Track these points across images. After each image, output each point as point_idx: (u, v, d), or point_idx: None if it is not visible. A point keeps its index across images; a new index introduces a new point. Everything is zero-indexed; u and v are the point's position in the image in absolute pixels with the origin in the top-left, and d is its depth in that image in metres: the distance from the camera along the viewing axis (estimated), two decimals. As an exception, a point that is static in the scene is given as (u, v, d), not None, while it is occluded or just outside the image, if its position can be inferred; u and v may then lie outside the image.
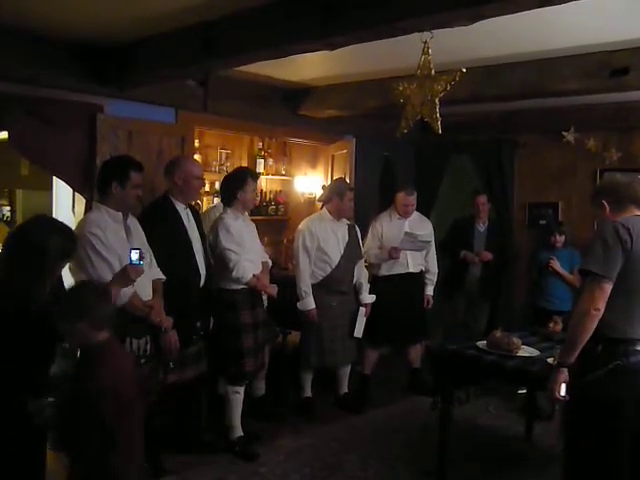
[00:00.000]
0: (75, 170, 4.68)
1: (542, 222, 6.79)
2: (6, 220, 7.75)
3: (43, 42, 4.24)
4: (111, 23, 3.93)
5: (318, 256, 5.26)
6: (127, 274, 3.24)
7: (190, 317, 4.23)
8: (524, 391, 5.15)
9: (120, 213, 3.70)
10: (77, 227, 3.61)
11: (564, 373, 2.99)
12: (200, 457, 4.46)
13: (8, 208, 7.91)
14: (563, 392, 3.00)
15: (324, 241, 5.26)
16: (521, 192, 7.03)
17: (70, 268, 3.53)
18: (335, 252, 5.27)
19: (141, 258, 3.30)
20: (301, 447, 4.75)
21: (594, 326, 2.88)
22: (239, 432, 4.61)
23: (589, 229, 6.56)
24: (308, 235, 5.27)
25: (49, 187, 5.59)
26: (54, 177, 5.12)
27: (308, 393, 5.48)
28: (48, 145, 4.49)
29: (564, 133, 6.43)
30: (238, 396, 4.58)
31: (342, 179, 5.98)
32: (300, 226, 5.40)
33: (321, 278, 5.28)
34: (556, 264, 5.93)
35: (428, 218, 6.20)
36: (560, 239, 6.08)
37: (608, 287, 2.87)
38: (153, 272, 3.91)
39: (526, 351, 4.05)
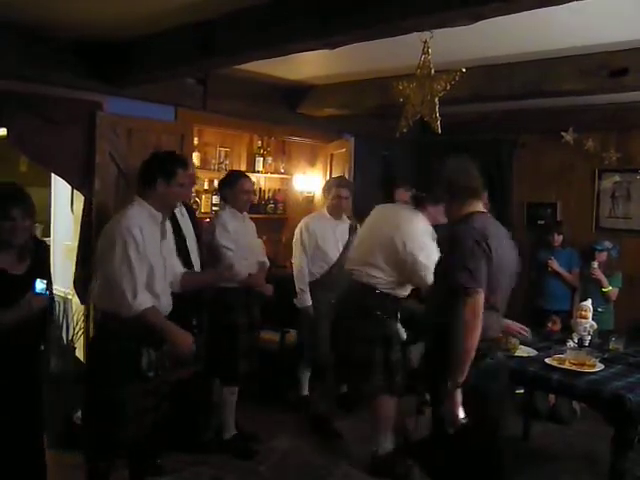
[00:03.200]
0: (74, 168, 4.67)
1: (541, 222, 6.81)
2: (4, 217, 7.73)
3: (43, 39, 4.23)
4: (111, 21, 3.93)
5: (316, 254, 5.27)
6: (28, 303, 3.12)
7: (186, 315, 4.18)
8: (522, 391, 5.15)
9: (160, 214, 3.49)
10: (115, 220, 3.38)
11: (459, 395, 2.92)
12: (198, 456, 4.47)
13: (6, 205, 7.88)
14: (462, 415, 2.92)
15: (322, 239, 5.27)
16: (520, 192, 7.04)
17: (96, 257, 3.44)
18: (333, 251, 5.27)
19: (48, 288, 3.19)
20: (299, 446, 4.76)
21: (478, 335, 2.90)
22: (233, 431, 4.62)
23: (588, 229, 6.60)
24: (305, 232, 5.29)
25: (48, 184, 5.59)
26: (53, 174, 5.12)
27: (305, 391, 5.48)
28: (47, 142, 4.48)
29: (563, 133, 6.43)
30: (233, 396, 4.58)
31: (337, 177, 5.97)
32: (299, 224, 5.43)
33: (318, 276, 5.29)
34: (554, 264, 5.97)
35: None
36: (558, 239, 6.10)
37: (482, 295, 2.92)
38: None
39: (524, 351, 4.06)
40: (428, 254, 4.00)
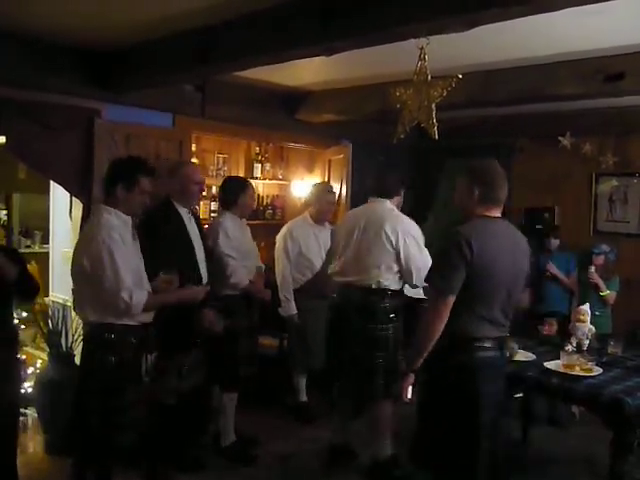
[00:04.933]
0: (72, 174, 4.68)
1: (539, 226, 6.82)
2: (3, 224, 7.72)
3: (41, 46, 4.25)
4: (109, 28, 3.94)
5: (299, 261, 5.27)
6: None
7: (187, 326, 4.09)
8: (520, 395, 5.16)
9: (130, 217, 3.42)
10: (90, 234, 3.31)
11: (411, 378, 3.18)
12: (197, 462, 4.45)
13: (5, 212, 7.87)
14: (410, 395, 3.20)
15: (306, 246, 5.29)
16: (517, 196, 7.03)
17: (80, 273, 3.31)
18: (317, 258, 5.25)
19: None
20: (298, 451, 4.75)
21: (439, 334, 3.05)
22: (232, 437, 4.61)
23: (585, 233, 6.62)
24: (289, 240, 5.29)
25: (46, 191, 5.59)
26: (51, 181, 5.13)
27: (303, 397, 5.47)
28: (45, 149, 4.50)
29: (560, 138, 6.44)
30: (232, 402, 4.58)
31: (323, 182, 5.96)
32: (282, 231, 5.42)
33: (303, 283, 5.30)
34: (553, 267, 5.99)
35: (425, 221, 6.20)
36: (555, 243, 6.11)
37: (452, 299, 3.02)
38: None
39: (523, 355, 4.06)
40: (417, 242, 4.16)
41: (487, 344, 3.08)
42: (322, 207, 5.32)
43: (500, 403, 3.16)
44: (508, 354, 3.27)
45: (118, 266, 3.20)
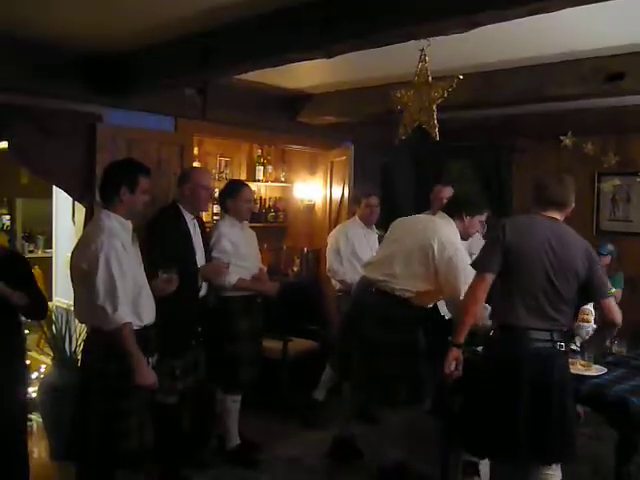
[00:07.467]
0: (74, 179, 4.69)
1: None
2: (6, 229, 7.72)
3: (43, 52, 4.24)
4: (110, 33, 3.95)
5: (352, 261, 5.31)
6: None
7: (190, 323, 4.22)
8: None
9: (130, 222, 3.45)
10: (91, 236, 3.32)
11: (454, 351, 3.48)
12: (201, 465, 4.45)
13: (8, 217, 7.87)
14: (453, 367, 3.49)
15: (359, 247, 5.36)
16: (520, 197, 7.04)
17: (75, 274, 3.36)
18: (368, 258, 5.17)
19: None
20: (302, 455, 4.75)
21: (476, 310, 3.44)
22: (237, 440, 4.62)
23: (588, 232, 6.60)
24: (343, 239, 5.41)
25: (49, 196, 5.60)
26: (54, 186, 5.14)
27: (322, 396, 5.36)
28: (48, 155, 4.50)
29: (562, 138, 6.44)
30: (235, 405, 4.58)
31: (362, 187, 6.02)
32: (334, 231, 5.61)
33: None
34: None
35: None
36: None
37: (488, 276, 3.37)
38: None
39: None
40: (464, 262, 3.85)
41: (533, 335, 3.28)
42: (362, 210, 5.48)
43: (547, 394, 3.26)
44: (563, 347, 3.37)
45: (113, 276, 3.19)
